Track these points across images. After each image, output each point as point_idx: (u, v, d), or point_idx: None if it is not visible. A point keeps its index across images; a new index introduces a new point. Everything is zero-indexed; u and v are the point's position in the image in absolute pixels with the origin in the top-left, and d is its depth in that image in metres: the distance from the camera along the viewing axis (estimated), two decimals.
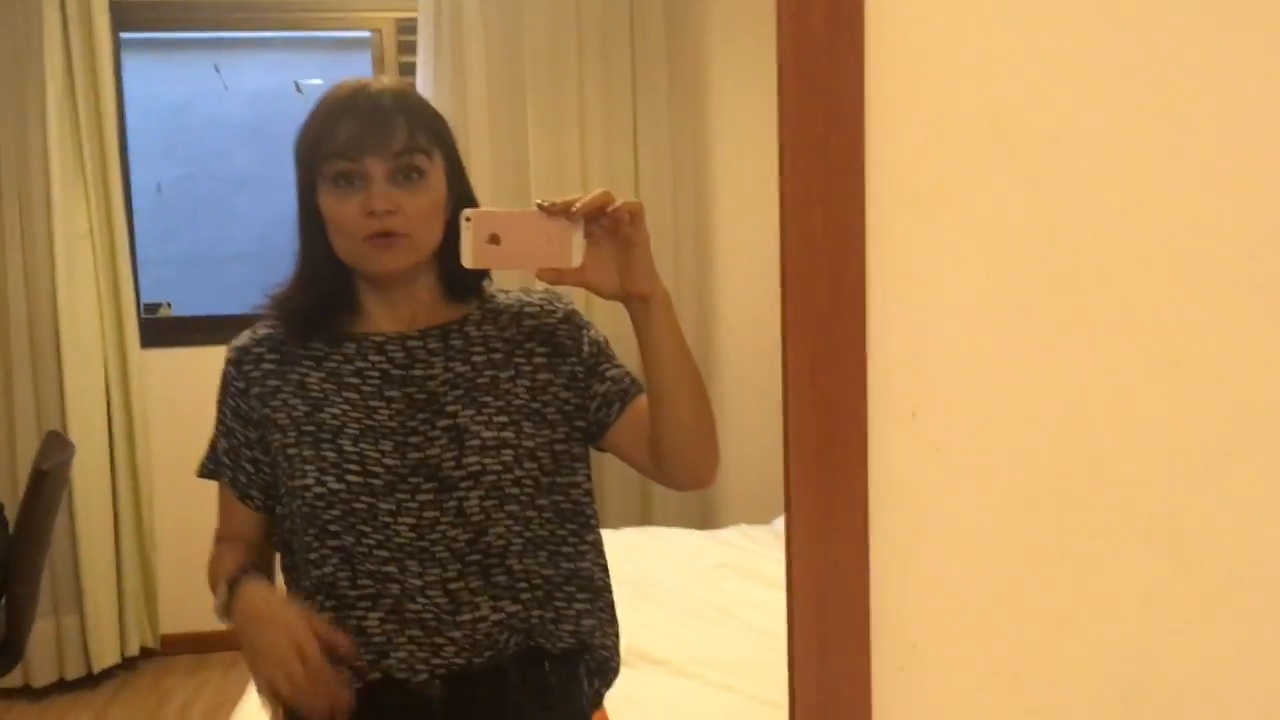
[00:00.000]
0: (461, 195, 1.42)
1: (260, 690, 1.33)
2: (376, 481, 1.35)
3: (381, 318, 1.43)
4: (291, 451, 1.38)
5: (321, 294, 1.40)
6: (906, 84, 0.75)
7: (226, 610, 1.38)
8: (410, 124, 1.36)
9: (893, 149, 0.75)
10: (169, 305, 4.22)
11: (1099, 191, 0.77)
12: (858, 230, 0.73)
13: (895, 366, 0.76)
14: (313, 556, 1.37)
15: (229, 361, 1.45)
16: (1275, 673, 0.81)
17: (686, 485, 1.42)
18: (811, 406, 0.74)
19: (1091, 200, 0.78)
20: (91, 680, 3.89)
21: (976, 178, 0.77)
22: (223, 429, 1.46)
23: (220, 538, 1.51)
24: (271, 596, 1.37)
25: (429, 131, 1.38)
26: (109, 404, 3.89)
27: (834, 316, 0.74)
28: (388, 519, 1.35)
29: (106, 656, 3.89)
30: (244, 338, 1.46)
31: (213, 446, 1.49)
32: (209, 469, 1.50)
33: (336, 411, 1.38)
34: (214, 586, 1.44)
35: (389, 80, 1.43)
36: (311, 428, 1.37)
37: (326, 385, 1.40)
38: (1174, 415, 0.79)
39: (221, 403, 1.46)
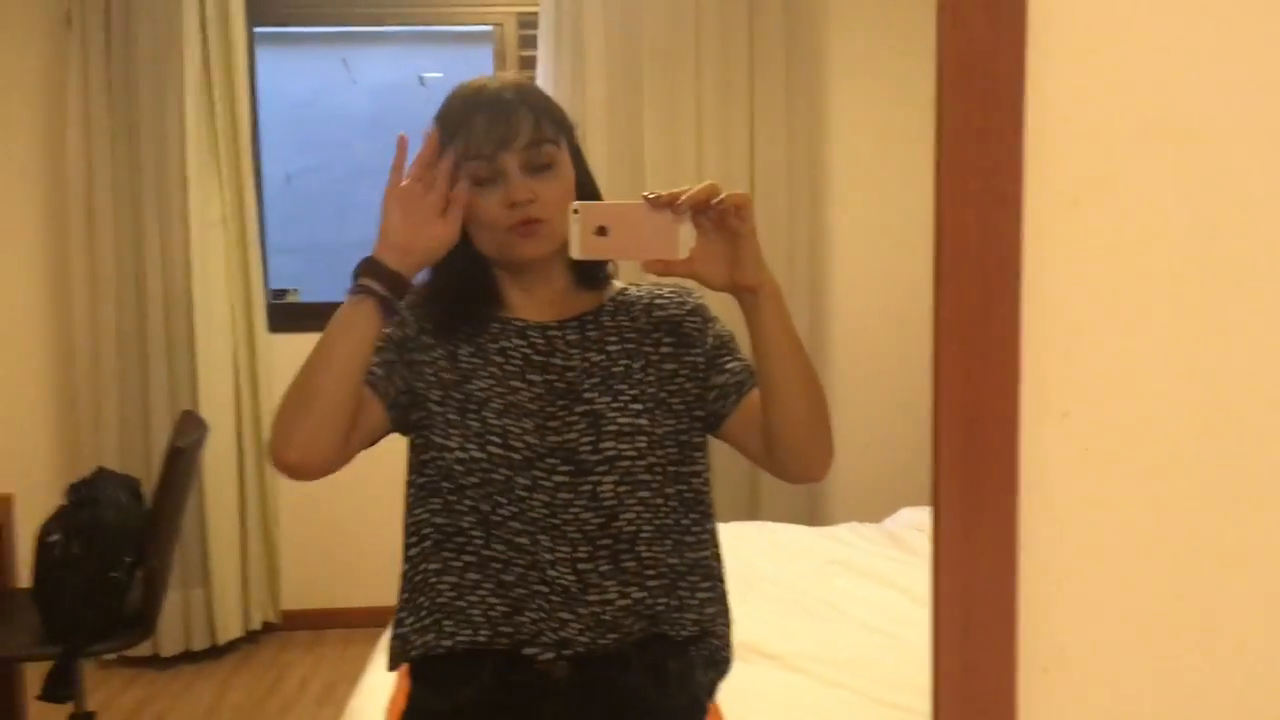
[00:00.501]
0: (585, 183, 1.45)
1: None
2: (516, 456, 1.38)
3: (522, 306, 1.47)
4: (436, 409, 1.41)
5: (464, 289, 1.44)
6: (1066, 79, 0.74)
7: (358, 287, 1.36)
8: (535, 115, 1.39)
9: (1051, 145, 0.74)
10: (297, 291, 4.35)
11: (1259, 190, 0.76)
12: (1014, 226, 0.73)
13: (1048, 365, 0.75)
14: (454, 506, 1.42)
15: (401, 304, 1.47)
16: None
17: (798, 479, 1.43)
18: (962, 404, 0.74)
19: (1251, 199, 0.76)
20: (216, 652, 4.05)
21: (1135, 175, 0.75)
22: (379, 349, 1.42)
23: None
24: None
25: (553, 121, 1.42)
26: (238, 386, 4.03)
27: (988, 314, 0.74)
28: (523, 493, 1.38)
29: (231, 629, 4.04)
30: (410, 296, 1.47)
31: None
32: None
33: (483, 385, 1.42)
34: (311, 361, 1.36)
35: (505, 76, 1.46)
36: (460, 396, 1.41)
37: (474, 360, 1.44)
38: None
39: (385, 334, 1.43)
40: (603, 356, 1.44)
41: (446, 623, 1.42)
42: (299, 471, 1.35)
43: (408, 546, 1.48)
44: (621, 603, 1.40)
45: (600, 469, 1.39)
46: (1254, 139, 0.76)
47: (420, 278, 1.44)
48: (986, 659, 0.75)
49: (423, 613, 1.44)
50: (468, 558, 1.42)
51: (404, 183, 1.35)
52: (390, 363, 1.44)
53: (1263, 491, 0.77)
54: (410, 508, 1.47)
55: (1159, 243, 0.76)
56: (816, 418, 1.36)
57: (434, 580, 1.43)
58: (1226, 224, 0.76)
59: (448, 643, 1.41)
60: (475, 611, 1.41)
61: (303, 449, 1.33)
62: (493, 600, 1.40)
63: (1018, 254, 0.73)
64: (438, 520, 1.43)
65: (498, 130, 1.37)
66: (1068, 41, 0.73)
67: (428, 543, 1.44)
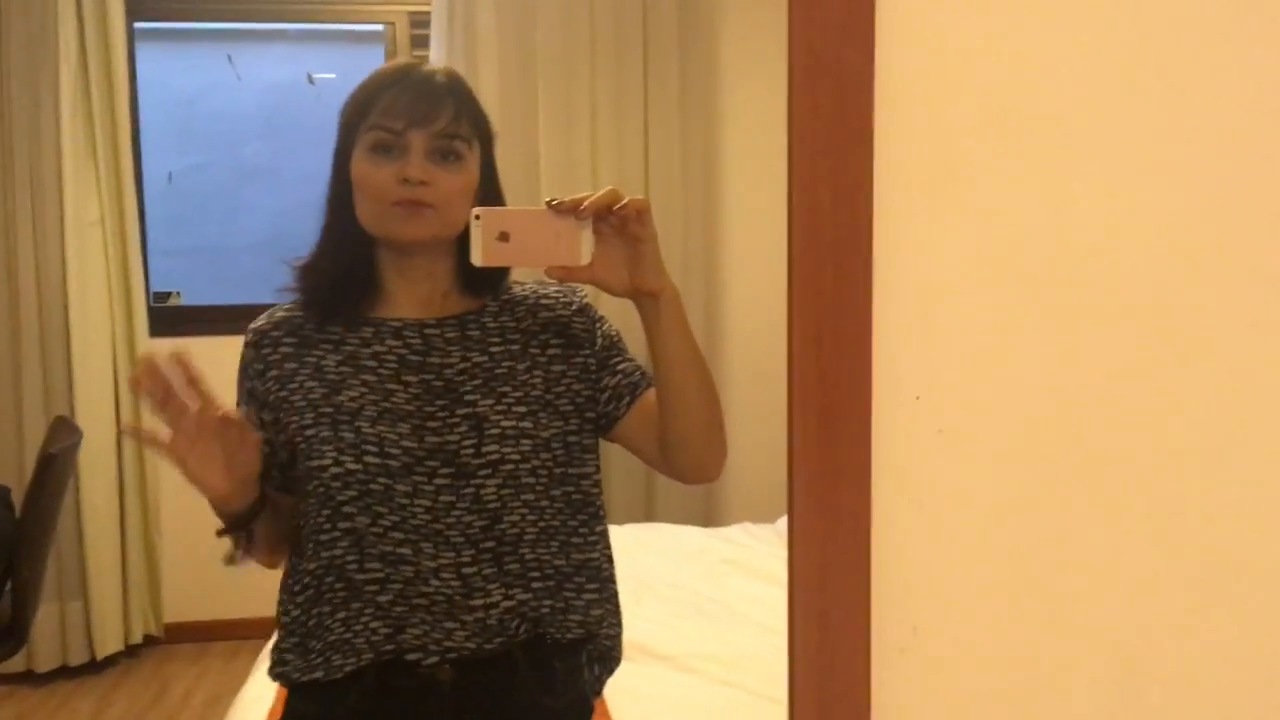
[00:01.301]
0: (490, 193, 1.44)
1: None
2: (394, 463, 1.35)
3: (401, 300, 1.44)
4: (310, 433, 1.38)
5: (344, 267, 1.41)
6: (915, 66, 0.75)
7: (234, 549, 1.41)
8: (457, 107, 1.38)
9: (901, 131, 0.75)
10: (179, 294, 4.24)
11: (1105, 176, 0.78)
12: (865, 211, 0.74)
13: (900, 348, 0.76)
14: (324, 538, 1.38)
15: (247, 344, 1.45)
16: (1271, 659, 0.81)
17: (693, 479, 1.43)
18: (816, 387, 0.74)
19: (1097, 185, 0.78)
20: (95, 666, 3.91)
21: (983, 161, 0.77)
22: (242, 410, 1.45)
23: None
24: None
25: (473, 120, 1.40)
26: (117, 392, 3.91)
27: (839, 298, 0.74)
28: (404, 500, 1.35)
29: (110, 643, 3.91)
30: (261, 320, 1.46)
31: None
32: None
33: (354, 394, 1.38)
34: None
35: (440, 64, 1.45)
36: (330, 409, 1.38)
37: (344, 368, 1.40)
38: (1175, 400, 0.79)
39: (239, 384, 1.46)
40: (485, 358, 1.42)
41: (335, 657, 1.39)
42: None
43: (295, 593, 1.44)
44: (506, 604, 1.38)
45: (483, 472, 1.37)
46: (1100, 125, 0.78)
47: (298, 256, 1.43)
48: (842, 640, 0.76)
49: (312, 655, 1.40)
50: (346, 590, 1.39)
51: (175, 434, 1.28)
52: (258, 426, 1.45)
53: (1110, 473, 0.79)
54: (300, 562, 1.44)
55: (1007, 228, 0.77)
56: (712, 420, 1.37)
57: (327, 621, 1.40)
58: (1072, 209, 0.78)
59: (337, 675, 1.38)
60: (359, 640, 1.38)
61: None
62: (375, 625, 1.38)
63: (869, 238, 0.74)
64: (311, 566, 1.40)
65: (416, 108, 1.35)
66: (916, 29, 0.75)
67: (310, 591, 1.41)
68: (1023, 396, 0.78)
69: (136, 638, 4.02)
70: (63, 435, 2.95)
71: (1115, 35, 0.77)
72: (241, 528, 1.37)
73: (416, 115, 1.35)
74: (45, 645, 3.82)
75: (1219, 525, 0.80)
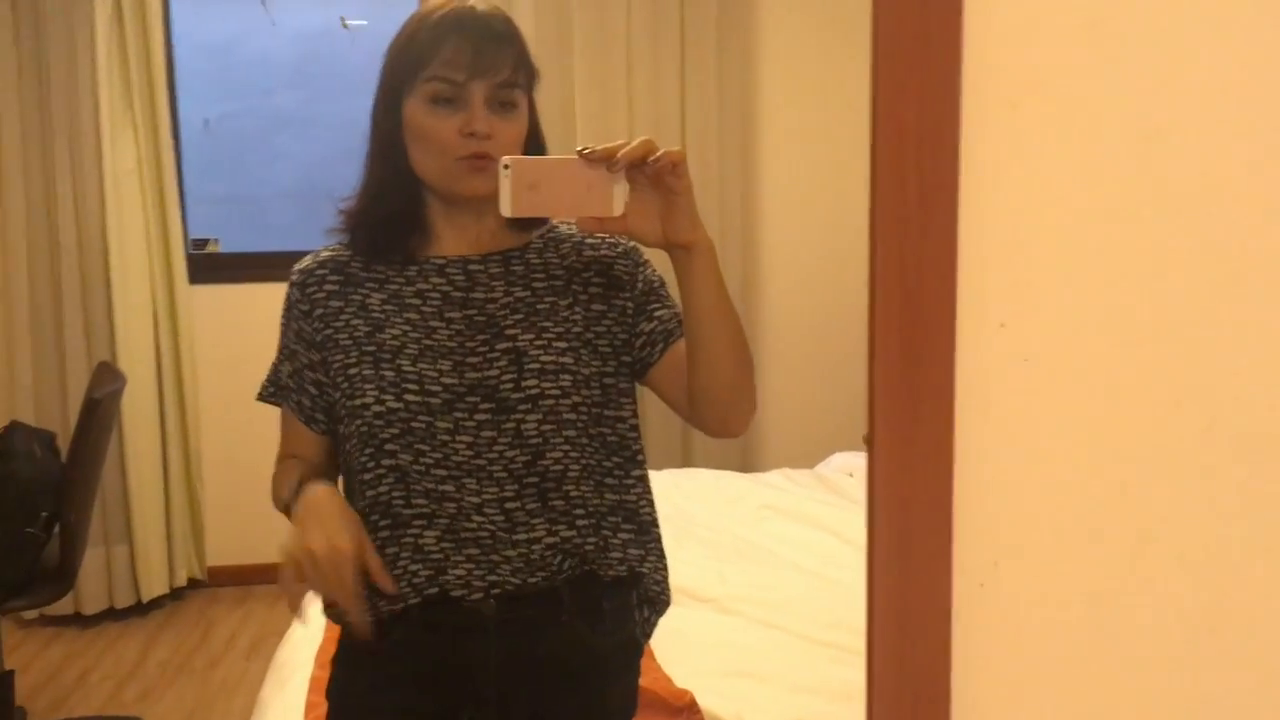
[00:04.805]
0: (536, 137, 1.44)
1: (282, 568, 1.30)
2: (434, 400, 1.35)
3: (447, 239, 1.43)
4: (352, 371, 1.38)
5: (390, 210, 1.40)
6: None
7: (289, 509, 1.39)
8: (515, 56, 1.37)
9: (989, 48, 0.72)
10: (217, 241, 4.24)
11: (1198, 96, 0.75)
12: (951, 131, 0.71)
13: (986, 274, 0.74)
14: (368, 477, 1.38)
15: (292, 284, 1.46)
16: None
17: (717, 433, 1.43)
18: (899, 314, 0.72)
19: (1193, 102, 0.75)
20: (140, 609, 3.98)
21: (1073, 79, 0.74)
22: (286, 353, 1.47)
23: (283, 457, 1.52)
24: (337, 498, 1.35)
25: (526, 67, 1.40)
26: (157, 338, 3.93)
27: (925, 221, 0.72)
28: (445, 437, 1.35)
29: (155, 586, 3.97)
30: (307, 261, 1.47)
31: (275, 371, 1.50)
32: (269, 392, 1.51)
33: (396, 332, 1.38)
34: (279, 495, 1.46)
35: (490, 4, 1.42)
36: (372, 348, 1.38)
37: (388, 306, 1.40)
38: (1269, 330, 0.76)
39: (285, 326, 1.47)
40: (528, 293, 1.41)
41: (381, 602, 1.39)
42: None
43: None
44: (549, 540, 1.38)
45: (523, 407, 1.36)
46: (1193, 43, 0.74)
47: (344, 196, 1.42)
48: (923, 573, 0.74)
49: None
50: (391, 527, 1.39)
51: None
52: (299, 371, 1.45)
53: (1200, 404, 0.77)
54: (352, 501, 1.44)
55: (1097, 148, 0.74)
56: (741, 376, 1.36)
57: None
58: (1164, 131, 0.75)
59: (383, 616, 1.39)
60: (402, 583, 1.38)
61: None
62: (415, 568, 1.38)
63: (955, 159, 0.71)
64: (358, 505, 1.40)
65: (480, 59, 1.33)
66: None
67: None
68: (1111, 325, 0.75)
69: (181, 581, 4.08)
70: (107, 380, 2.97)
71: None
72: None
73: (479, 66, 1.33)
74: (92, 588, 3.89)
75: None
